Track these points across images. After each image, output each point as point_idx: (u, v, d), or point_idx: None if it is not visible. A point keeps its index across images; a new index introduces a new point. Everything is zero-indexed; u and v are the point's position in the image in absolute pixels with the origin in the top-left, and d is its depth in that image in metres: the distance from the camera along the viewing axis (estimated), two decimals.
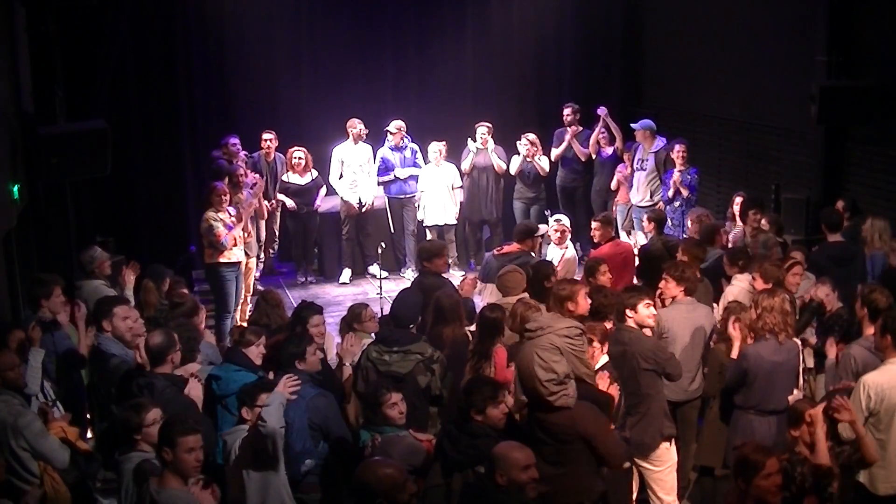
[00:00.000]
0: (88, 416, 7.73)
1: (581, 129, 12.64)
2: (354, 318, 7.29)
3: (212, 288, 10.04)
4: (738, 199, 9.88)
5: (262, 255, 11.95)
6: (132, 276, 8.39)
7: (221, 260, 9.82)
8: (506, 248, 8.61)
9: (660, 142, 11.68)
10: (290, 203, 11.88)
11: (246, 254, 10.37)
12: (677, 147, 11.29)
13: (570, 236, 9.55)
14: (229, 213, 9.92)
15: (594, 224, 9.45)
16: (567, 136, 12.46)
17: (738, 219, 9.75)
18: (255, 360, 6.46)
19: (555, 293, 6.43)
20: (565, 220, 9.59)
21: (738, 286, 7.73)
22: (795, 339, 6.53)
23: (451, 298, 7.07)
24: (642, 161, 11.65)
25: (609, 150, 12.35)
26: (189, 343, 6.43)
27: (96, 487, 6.66)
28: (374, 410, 5.72)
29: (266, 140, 12.05)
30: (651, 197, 11.56)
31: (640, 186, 11.63)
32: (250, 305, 10.41)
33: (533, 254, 8.83)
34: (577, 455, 5.35)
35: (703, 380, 7.03)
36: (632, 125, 11.91)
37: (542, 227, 9.53)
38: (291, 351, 6.20)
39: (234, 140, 11.59)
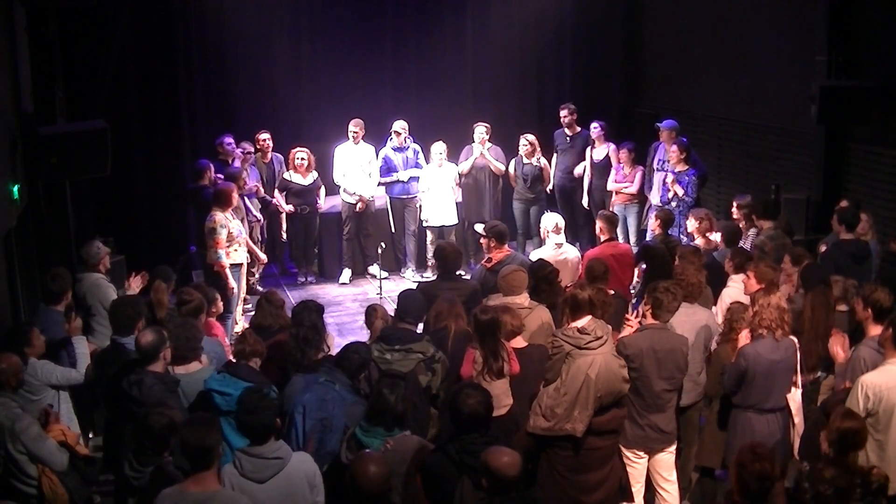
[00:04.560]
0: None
1: (580, 129, 12.64)
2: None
3: (214, 288, 10.01)
4: (736, 204, 9.84)
5: (262, 256, 11.92)
6: (139, 285, 8.36)
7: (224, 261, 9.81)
8: (494, 258, 8.54)
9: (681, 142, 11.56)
10: (286, 206, 11.86)
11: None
12: (673, 148, 11.28)
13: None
14: (233, 215, 9.92)
15: (599, 223, 9.39)
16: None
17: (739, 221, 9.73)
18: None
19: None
20: (557, 219, 9.46)
21: (735, 287, 7.73)
22: (792, 337, 6.53)
23: (450, 301, 7.08)
24: (663, 161, 11.60)
25: (602, 154, 12.35)
26: (190, 342, 6.38)
27: (95, 490, 6.67)
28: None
29: (263, 140, 12.05)
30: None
31: (660, 186, 11.52)
32: (250, 305, 10.41)
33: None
34: (616, 446, 6.24)
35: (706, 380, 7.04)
36: (657, 124, 11.86)
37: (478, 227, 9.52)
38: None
39: (229, 139, 11.59)
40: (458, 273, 8.48)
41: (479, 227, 9.54)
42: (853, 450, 5.01)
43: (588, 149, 12.50)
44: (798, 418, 6.68)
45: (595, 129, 12.38)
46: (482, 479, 4.66)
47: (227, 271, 9.69)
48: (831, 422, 5.09)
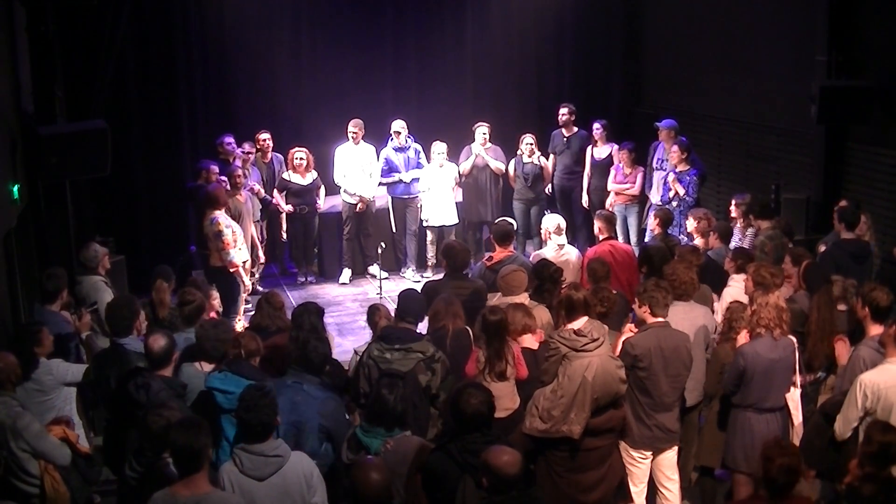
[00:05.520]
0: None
1: (577, 129, 12.64)
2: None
3: (219, 290, 10.00)
4: (735, 202, 9.85)
5: (261, 257, 11.92)
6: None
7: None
8: (495, 257, 8.54)
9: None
10: (286, 206, 11.87)
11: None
12: (674, 148, 11.29)
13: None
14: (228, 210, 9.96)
15: (598, 222, 9.40)
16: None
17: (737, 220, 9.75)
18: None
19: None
20: (559, 220, 9.46)
21: (736, 286, 7.73)
22: (790, 336, 6.53)
23: (446, 301, 7.07)
24: (662, 161, 11.60)
25: (605, 153, 12.33)
26: (223, 343, 6.34)
27: (95, 490, 6.69)
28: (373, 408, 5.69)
29: (263, 140, 12.04)
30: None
31: (659, 185, 11.53)
32: (250, 305, 10.40)
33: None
34: (614, 444, 6.22)
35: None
36: (656, 124, 11.86)
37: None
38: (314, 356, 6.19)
39: (229, 139, 11.59)
40: (465, 272, 8.47)
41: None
42: (892, 463, 4.99)
43: (589, 147, 12.48)
44: (797, 419, 6.67)
45: (597, 129, 12.36)
46: (483, 478, 4.67)
47: (241, 270, 9.72)
48: (869, 435, 5.08)
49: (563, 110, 12.62)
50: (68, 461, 6.00)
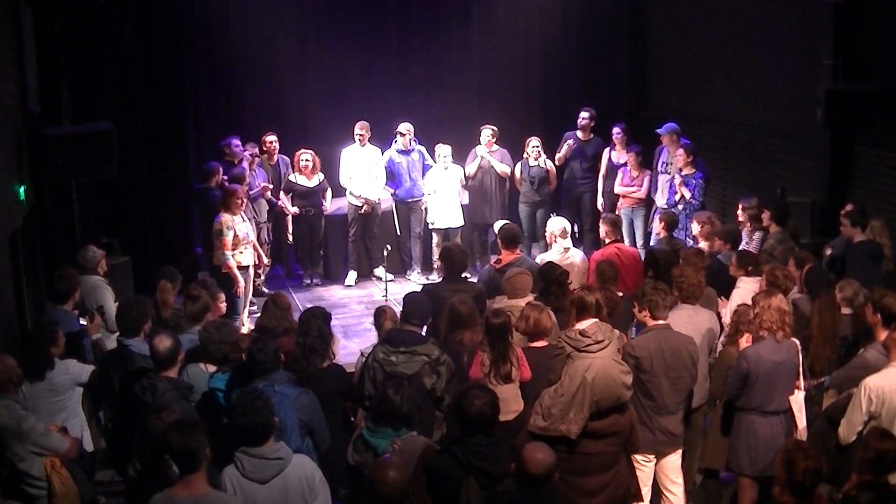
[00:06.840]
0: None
1: (593, 135, 12.63)
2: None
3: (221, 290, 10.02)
4: (742, 206, 9.84)
5: (266, 259, 11.94)
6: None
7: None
8: (503, 259, 8.55)
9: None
10: (292, 208, 11.87)
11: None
12: (679, 151, 11.28)
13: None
14: (243, 217, 9.93)
15: (603, 226, 9.39)
16: (570, 142, 12.43)
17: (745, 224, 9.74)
18: None
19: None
20: (564, 223, 9.45)
21: (745, 287, 7.72)
22: (794, 339, 6.52)
23: (466, 305, 7.02)
24: (667, 164, 11.60)
25: (623, 157, 12.26)
26: (228, 345, 6.38)
27: (101, 491, 6.70)
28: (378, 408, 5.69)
29: (269, 142, 12.05)
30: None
31: (664, 189, 11.53)
32: (256, 307, 10.41)
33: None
34: (620, 453, 6.03)
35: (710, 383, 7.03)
36: (657, 130, 11.86)
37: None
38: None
39: (236, 141, 11.58)
40: (463, 275, 8.47)
41: (498, 225, 9.60)
42: (890, 471, 4.99)
43: (606, 150, 12.46)
44: (801, 422, 6.67)
45: (617, 133, 12.35)
46: (511, 464, 4.79)
47: (236, 271, 9.71)
48: (867, 442, 5.08)
49: (584, 114, 12.59)
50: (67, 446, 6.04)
